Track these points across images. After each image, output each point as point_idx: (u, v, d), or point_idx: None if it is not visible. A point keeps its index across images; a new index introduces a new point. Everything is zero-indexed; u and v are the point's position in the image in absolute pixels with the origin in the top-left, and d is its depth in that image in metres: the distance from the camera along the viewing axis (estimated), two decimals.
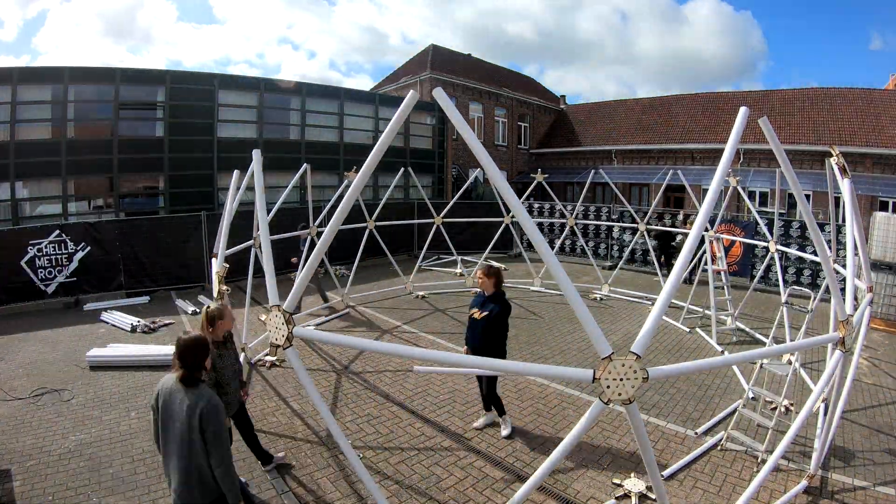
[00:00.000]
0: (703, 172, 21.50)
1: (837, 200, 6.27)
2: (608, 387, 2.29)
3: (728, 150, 2.66)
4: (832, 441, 4.22)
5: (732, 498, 4.04)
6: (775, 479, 4.28)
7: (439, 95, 2.49)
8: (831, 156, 4.54)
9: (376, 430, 5.09)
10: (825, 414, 4.48)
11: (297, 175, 9.12)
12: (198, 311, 9.31)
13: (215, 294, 4.70)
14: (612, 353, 2.30)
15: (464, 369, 5.25)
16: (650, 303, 10.24)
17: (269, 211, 5.43)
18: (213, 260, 5.26)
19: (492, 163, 2.47)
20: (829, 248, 6.70)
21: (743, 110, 2.76)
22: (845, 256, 4.99)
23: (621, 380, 2.28)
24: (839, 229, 9.15)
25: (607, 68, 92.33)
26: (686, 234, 12.47)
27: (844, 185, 4.23)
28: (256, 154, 4.39)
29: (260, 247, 7.25)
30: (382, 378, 6.33)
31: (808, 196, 17.17)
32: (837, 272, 6.00)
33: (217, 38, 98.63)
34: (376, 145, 2.61)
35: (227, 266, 4.91)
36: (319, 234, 9.68)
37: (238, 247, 6.69)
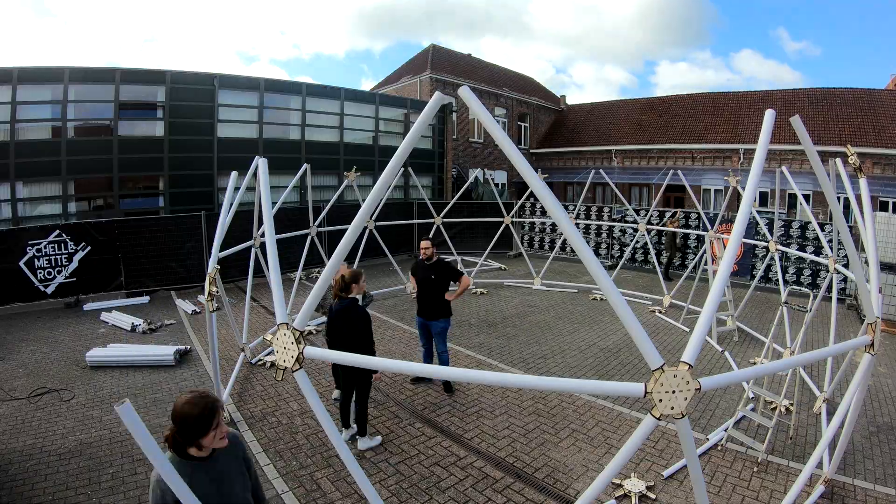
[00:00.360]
0: (703, 172, 21.54)
1: (838, 200, 6.27)
2: (660, 401, 2.09)
3: (759, 151, 2.58)
4: (846, 443, 4.19)
5: (733, 498, 4.04)
6: (785, 483, 4.27)
7: (465, 95, 2.36)
8: (834, 156, 4.56)
9: (376, 430, 5.09)
10: (828, 416, 4.48)
11: (298, 175, 9.13)
12: (198, 310, 9.32)
13: (206, 295, 4.70)
14: (664, 363, 2.09)
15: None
16: (650, 302, 10.25)
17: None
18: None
19: (523, 160, 2.36)
20: (831, 248, 6.71)
21: (770, 113, 2.66)
22: (846, 256, 5.00)
23: (674, 392, 2.09)
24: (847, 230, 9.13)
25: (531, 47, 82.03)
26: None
27: (862, 185, 4.25)
28: (263, 163, 4.20)
29: (260, 247, 7.25)
30: (382, 378, 6.32)
31: (807, 197, 17.17)
32: (842, 273, 6.02)
33: (64, 36, 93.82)
34: (400, 147, 2.50)
35: (219, 268, 4.90)
36: (320, 235, 9.69)
37: (238, 247, 6.68)
